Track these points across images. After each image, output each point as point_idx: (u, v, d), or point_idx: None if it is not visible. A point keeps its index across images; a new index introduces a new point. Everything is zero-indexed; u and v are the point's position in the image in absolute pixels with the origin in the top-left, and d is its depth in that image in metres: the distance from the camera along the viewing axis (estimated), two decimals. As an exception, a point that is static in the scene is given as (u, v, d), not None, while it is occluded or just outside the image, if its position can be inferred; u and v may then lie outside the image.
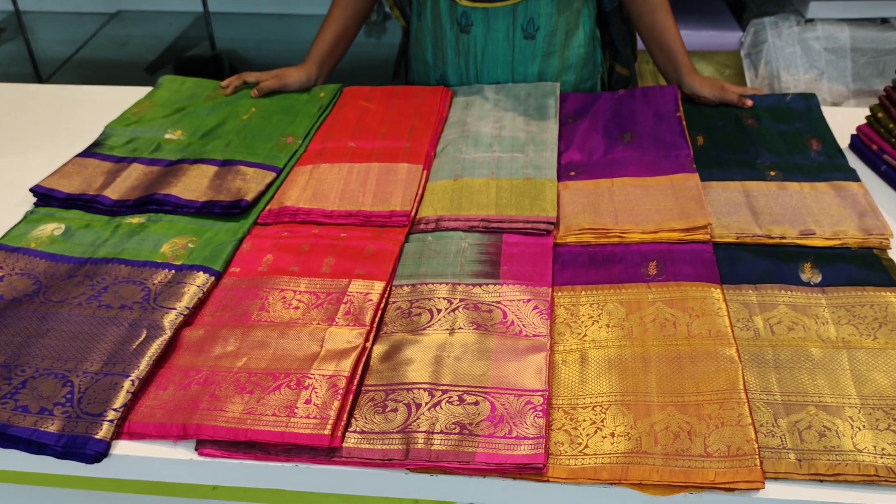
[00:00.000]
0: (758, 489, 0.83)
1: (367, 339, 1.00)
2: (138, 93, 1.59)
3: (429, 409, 0.91)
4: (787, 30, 2.05)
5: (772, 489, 0.84)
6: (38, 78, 2.72)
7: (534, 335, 1.00)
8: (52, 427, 0.89)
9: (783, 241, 1.14)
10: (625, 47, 1.61)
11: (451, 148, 1.35)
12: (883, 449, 0.86)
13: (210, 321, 1.05)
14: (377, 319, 1.04)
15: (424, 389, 0.94)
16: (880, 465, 0.84)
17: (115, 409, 0.91)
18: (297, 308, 1.06)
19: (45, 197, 1.26)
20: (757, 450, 0.85)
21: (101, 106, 1.56)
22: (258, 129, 1.41)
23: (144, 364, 0.96)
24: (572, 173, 1.30)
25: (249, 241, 1.18)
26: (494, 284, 1.08)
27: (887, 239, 1.13)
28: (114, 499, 1.11)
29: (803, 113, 1.42)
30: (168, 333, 1.00)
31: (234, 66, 2.56)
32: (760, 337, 1.01)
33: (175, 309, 1.03)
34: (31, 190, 1.28)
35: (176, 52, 2.56)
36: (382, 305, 1.06)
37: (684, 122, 1.38)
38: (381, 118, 1.44)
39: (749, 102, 1.42)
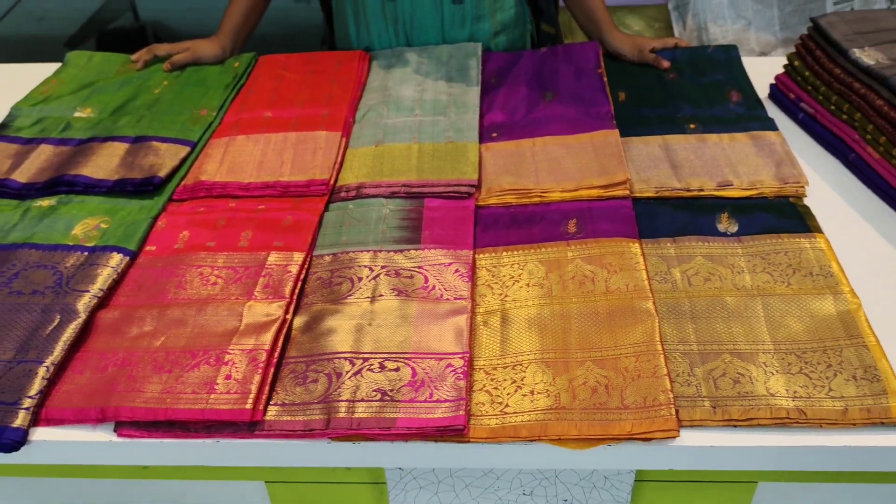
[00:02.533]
0: (673, 437, 0.85)
1: (286, 312, 0.99)
2: (47, 70, 1.53)
3: (350, 378, 0.91)
4: (712, -20, 2.06)
5: (687, 437, 0.86)
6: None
7: (455, 298, 1.00)
8: (-36, 418, 0.87)
9: (701, 193, 1.15)
10: (548, 4, 1.60)
11: (371, 113, 1.33)
12: (795, 392, 0.88)
13: (126, 302, 1.02)
14: (297, 291, 1.02)
15: (345, 358, 0.93)
16: (791, 408, 0.86)
17: (30, 397, 0.89)
18: (214, 284, 1.04)
19: (-49, 183, 1.22)
20: (672, 399, 0.87)
21: (10, 85, 1.50)
22: (170, 102, 1.37)
23: (59, 349, 0.93)
24: (494, 134, 1.29)
25: (164, 218, 1.15)
26: (416, 249, 1.07)
27: (802, 187, 1.15)
28: (47, 483, 1.09)
29: (724, 64, 1.43)
30: (82, 317, 0.98)
31: (160, 37, 2.49)
32: (678, 289, 1.02)
33: (88, 292, 1.01)
34: (-66, 176, 1.23)
35: (97, 25, 2.48)
36: (302, 277, 1.05)
37: (605, 79, 1.38)
38: (298, 86, 1.41)
39: (665, 64, 1.42)
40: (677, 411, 0.86)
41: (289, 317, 0.99)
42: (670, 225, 1.11)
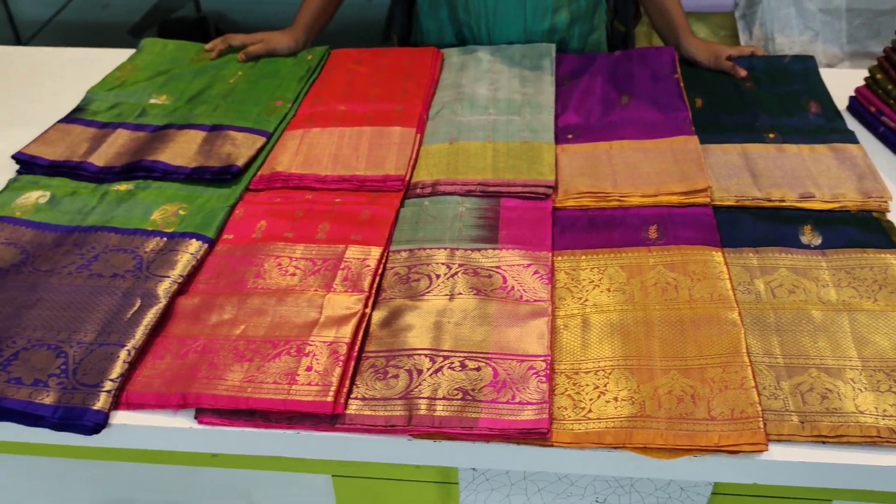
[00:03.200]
0: (761, 451, 0.83)
1: (366, 305, 0.98)
2: (120, 55, 1.55)
3: (430, 375, 0.90)
4: (781, -10, 2.03)
5: (775, 451, 0.84)
6: (18, 40, 2.65)
7: (535, 300, 0.99)
8: (48, 399, 0.87)
9: (783, 203, 1.13)
10: (625, 4, 1.58)
11: (445, 111, 1.33)
12: (884, 410, 0.86)
13: (205, 289, 1.03)
14: (375, 285, 1.02)
15: (425, 355, 0.92)
16: (882, 427, 0.84)
17: (111, 380, 0.89)
18: (293, 275, 1.04)
19: (27, 164, 1.23)
20: (760, 412, 0.85)
21: (83, 69, 1.52)
22: (245, 92, 1.38)
23: (140, 333, 0.94)
24: (570, 136, 1.28)
25: (242, 207, 1.16)
26: (493, 249, 1.07)
27: (886, 202, 1.13)
28: (111, 467, 1.10)
29: (801, 75, 1.41)
30: (163, 302, 0.98)
31: (220, 28, 2.51)
32: (762, 300, 1.00)
33: (169, 277, 1.01)
34: (13, 157, 1.24)
35: (160, 14, 2.50)
36: (380, 271, 1.04)
37: (682, 84, 1.36)
38: (371, 81, 1.41)
39: (742, 72, 1.40)
40: (765, 424, 0.85)
41: (368, 311, 0.98)
42: (752, 235, 1.09)
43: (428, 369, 0.91)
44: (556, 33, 1.51)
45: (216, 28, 2.54)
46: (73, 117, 1.34)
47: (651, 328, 0.96)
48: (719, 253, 1.05)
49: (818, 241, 1.08)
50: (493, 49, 1.48)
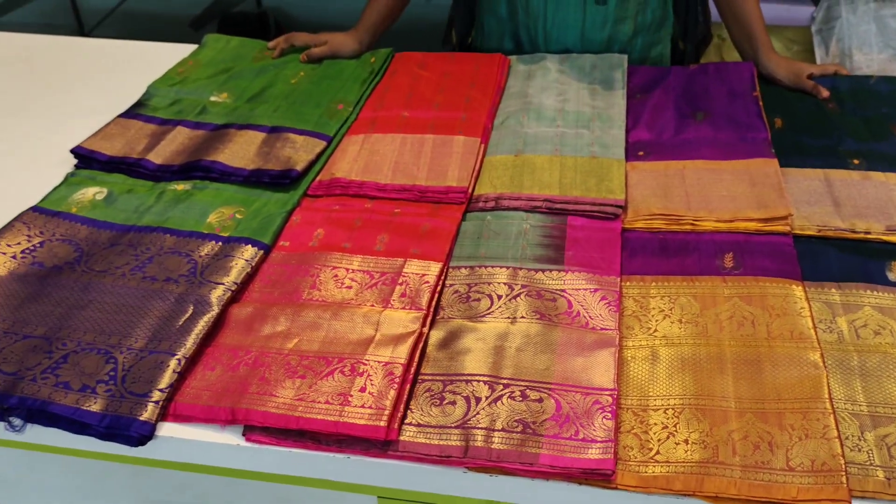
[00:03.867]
0: (845, 509, 0.77)
1: (423, 324, 0.94)
2: (182, 50, 1.53)
3: (489, 404, 0.86)
4: (863, 5, 1.94)
5: (857, 508, 0.78)
6: (81, 29, 2.67)
7: (601, 328, 0.94)
8: (95, 406, 0.85)
9: (868, 236, 1.06)
10: (694, 24, 1.51)
11: (511, 121, 1.28)
12: (982, 471, 0.79)
13: (259, 298, 1.00)
14: (434, 303, 0.98)
15: (484, 382, 0.88)
16: (979, 489, 0.78)
17: (160, 390, 0.86)
18: (349, 287, 1.00)
19: (86, 159, 1.22)
20: (843, 465, 0.79)
21: (144, 62, 1.51)
22: (307, 94, 1.35)
23: (191, 342, 0.91)
24: (641, 153, 1.22)
25: (299, 213, 1.12)
26: (558, 271, 1.02)
27: (983, 238, 1.05)
28: (152, 472, 1.07)
29: (888, 97, 1.33)
30: (216, 310, 0.95)
31: (280, 24, 2.49)
32: (844, 341, 0.93)
33: (223, 284, 0.98)
34: (71, 151, 1.23)
35: (220, 7, 2.50)
36: (439, 288, 1.00)
37: (761, 103, 1.30)
38: (436, 86, 1.37)
39: (825, 93, 1.32)
40: (848, 479, 0.78)
41: (426, 330, 0.94)
42: (835, 269, 1.02)
43: (487, 397, 0.87)
44: (615, 43, 1.45)
45: (276, 23, 2.52)
46: (134, 112, 1.32)
47: (725, 365, 0.90)
48: (800, 287, 0.98)
49: (908, 279, 1.01)
50: (561, 58, 1.43)
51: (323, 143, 1.23)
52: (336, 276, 1.02)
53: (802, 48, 2.10)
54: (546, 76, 1.38)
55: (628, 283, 1.01)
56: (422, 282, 0.99)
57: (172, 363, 0.89)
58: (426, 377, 0.90)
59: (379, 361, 0.89)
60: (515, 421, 0.84)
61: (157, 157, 1.20)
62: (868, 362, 0.91)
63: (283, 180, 1.15)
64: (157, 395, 0.86)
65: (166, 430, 0.87)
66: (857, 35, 1.98)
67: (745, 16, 1.40)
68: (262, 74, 1.41)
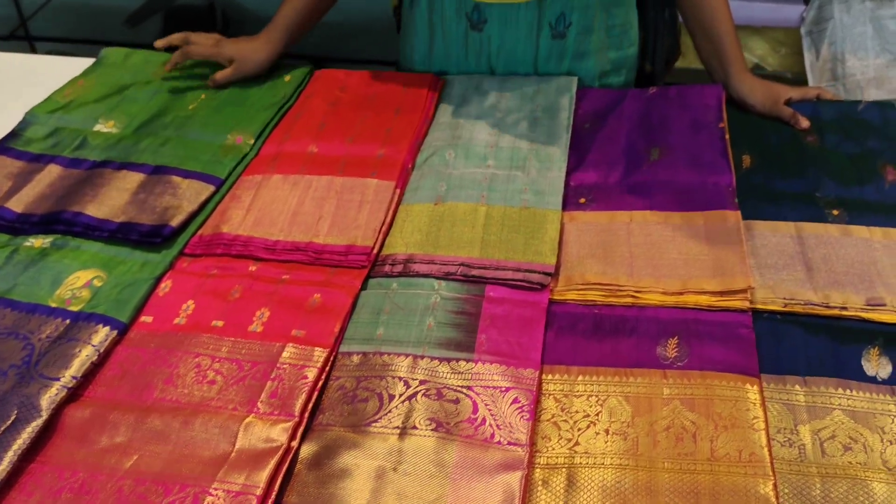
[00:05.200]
0: None
1: (293, 437, 0.78)
2: (82, 65, 1.34)
3: (359, 551, 0.69)
4: (858, 5, 1.73)
5: None
6: (21, 18, 2.48)
7: (509, 443, 0.77)
8: None
9: (844, 313, 0.89)
10: (661, 41, 1.31)
11: (436, 159, 1.10)
12: None
13: (102, 395, 0.83)
14: (310, 406, 0.81)
15: (359, 520, 0.71)
16: None
17: None
18: (212, 383, 0.83)
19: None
20: None
21: (47, 80, 1.30)
22: (203, 123, 1.16)
23: (7, 461, 0.74)
24: (582, 200, 1.04)
25: (171, 277, 0.95)
26: (467, 361, 0.84)
27: (982, 318, 0.87)
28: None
29: (879, 128, 1.14)
30: (44, 416, 0.78)
31: (229, 16, 2.29)
32: (807, 459, 0.76)
33: (58, 380, 0.81)
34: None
35: (163, 1, 2.29)
36: (320, 385, 0.83)
37: (728, 136, 1.11)
38: (355, 112, 1.18)
39: (805, 124, 1.13)
40: None
41: (294, 444, 0.77)
42: (801, 357, 0.85)
43: (359, 541, 0.70)
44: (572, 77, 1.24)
45: (224, 16, 2.33)
46: (5, 145, 1.14)
47: (656, 498, 0.73)
48: (755, 387, 0.81)
49: (887, 371, 0.84)
50: (502, 80, 1.23)
51: (211, 189, 1.05)
52: (199, 366, 0.85)
53: (791, 51, 1.90)
54: (482, 102, 1.19)
55: (549, 377, 0.84)
56: (299, 377, 0.82)
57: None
58: (290, 506, 0.73)
59: (229, 491, 0.73)
60: (389, 575, 0.68)
61: (18, 203, 1.03)
62: (834, 491, 0.74)
63: (153, 238, 0.97)
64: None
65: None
66: (851, 38, 1.78)
67: (716, 30, 1.20)
68: (157, 95, 1.22)
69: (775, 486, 0.73)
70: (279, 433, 0.77)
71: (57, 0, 2.35)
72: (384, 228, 1.00)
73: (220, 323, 0.89)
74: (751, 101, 1.18)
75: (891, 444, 0.77)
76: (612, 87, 1.26)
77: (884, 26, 1.74)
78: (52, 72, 1.32)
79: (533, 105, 1.18)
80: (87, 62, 1.35)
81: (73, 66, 1.33)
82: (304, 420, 0.79)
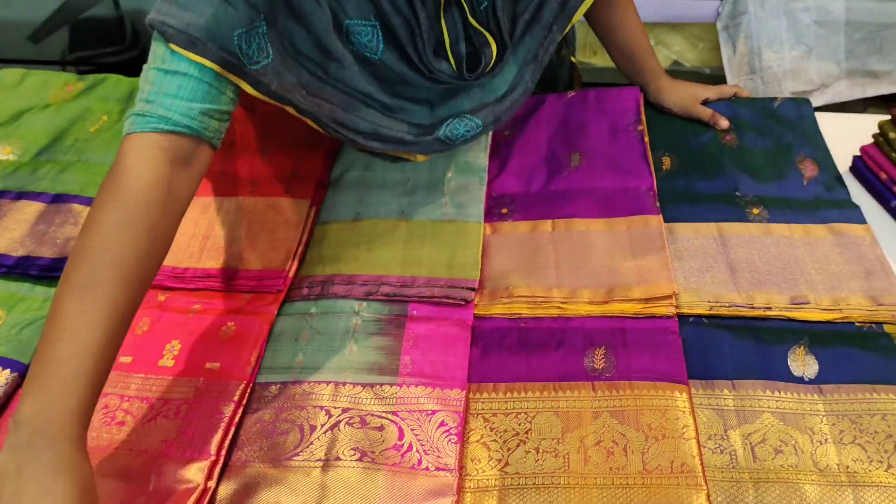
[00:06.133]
0: None
1: (209, 477, 0.73)
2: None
3: None
4: None
5: None
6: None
7: (437, 468, 0.74)
8: None
9: (769, 313, 0.89)
10: (560, 76, 1.29)
11: (353, 173, 1.06)
12: None
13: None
14: (227, 443, 0.77)
15: (280, 563, 0.68)
16: None
17: None
18: (121, 423, 0.78)
19: None
20: None
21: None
22: (106, 146, 1.10)
23: None
24: (504, 210, 1.02)
25: None
26: (391, 385, 0.81)
27: (902, 311, 0.88)
28: None
29: (794, 123, 1.15)
30: None
31: (139, 30, 2.21)
32: (738, 465, 0.75)
33: (-49, 430, 0.76)
34: None
35: (71, 12, 2.19)
36: (237, 419, 0.79)
37: (647, 139, 1.10)
38: (266, 130, 1.13)
39: (724, 123, 1.13)
40: None
41: (211, 484, 0.73)
42: (729, 360, 0.84)
43: (281, 586, 0.66)
44: None
45: (134, 30, 2.24)
46: None
47: (589, 518, 0.71)
48: (684, 395, 0.80)
49: (813, 370, 0.83)
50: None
51: (114, 216, 0.99)
52: (106, 406, 0.80)
53: (708, 45, 1.92)
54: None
55: (477, 395, 0.82)
56: (214, 412, 0.78)
57: None
58: (207, 555, 0.69)
59: None
60: None
61: None
62: (766, 497, 0.73)
63: (54, 272, 0.91)
64: None
65: None
66: (766, 31, 1.81)
67: (630, 49, 1.18)
68: (56, 119, 1.16)
69: (708, 496, 0.72)
70: (195, 473, 0.73)
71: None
72: (300, 249, 0.96)
73: (127, 359, 0.84)
74: (669, 105, 1.17)
75: (821, 444, 0.77)
76: None
77: (797, 19, 1.77)
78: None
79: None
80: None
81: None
82: (221, 458, 0.75)
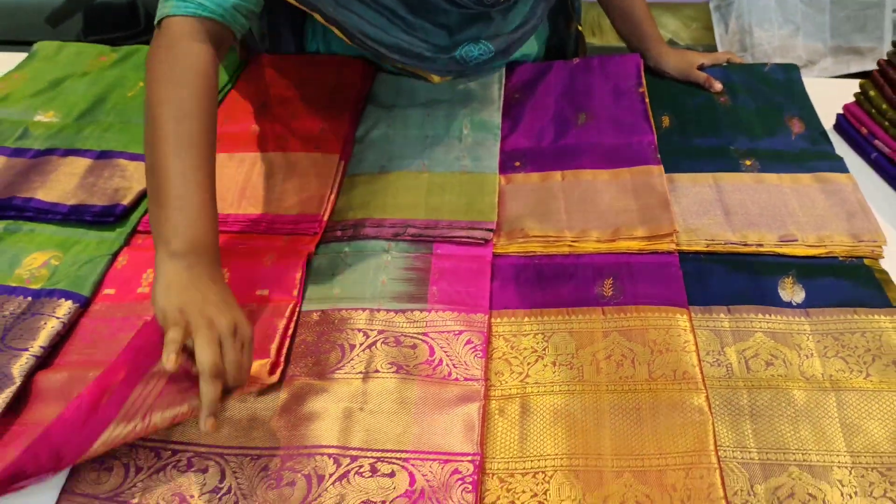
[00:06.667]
0: (732, 585, 0.68)
1: (272, 373, 0.82)
2: (17, 60, 1.35)
3: (334, 484, 0.74)
4: (760, -20, 1.86)
5: (749, 585, 0.69)
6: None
7: (465, 379, 0.83)
8: None
9: (760, 249, 0.98)
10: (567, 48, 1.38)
11: (375, 133, 1.15)
12: (879, 524, 0.71)
13: (77, 360, 0.86)
14: (284, 350, 0.85)
15: (330, 456, 0.76)
16: (877, 548, 0.69)
17: None
18: None
19: None
20: (731, 532, 0.70)
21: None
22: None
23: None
24: (517, 163, 1.11)
25: (127, 253, 0.98)
26: (421, 311, 0.90)
27: (880, 247, 0.97)
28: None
29: (783, 85, 1.24)
30: (17, 383, 0.81)
31: (153, 15, 2.28)
32: (734, 375, 0.84)
33: (27, 350, 0.84)
34: None
35: (83, -2, 2.27)
36: (290, 332, 0.87)
37: (647, 100, 1.19)
38: (292, 93, 1.22)
39: (718, 86, 1.23)
40: (735, 549, 0.70)
41: (273, 379, 0.82)
42: (724, 290, 0.93)
43: (331, 474, 0.75)
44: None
45: (147, 15, 2.32)
46: (-56, 139, 1.15)
47: (602, 416, 0.80)
48: (685, 316, 0.89)
49: (801, 296, 0.93)
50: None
51: (159, 169, 1.08)
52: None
53: (702, 25, 2.02)
54: (415, 78, 1.24)
55: (499, 320, 0.90)
56: (269, 326, 0.87)
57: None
58: (264, 452, 0.78)
59: None
60: (362, 503, 0.73)
61: (-35, 192, 1.04)
62: (759, 400, 0.82)
63: (107, 218, 1.00)
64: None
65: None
66: (756, 10, 1.91)
67: (632, 15, 1.29)
68: (95, 86, 1.24)
69: (707, 398, 0.81)
70: (257, 369, 0.81)
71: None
72: (332, 197, 1.04)
73: None
74: (667, 69, 1.27)
75: (807, 358, 0.86)
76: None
77: (785, -1, 1.87)
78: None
79: (465, 80, 1.24)
80: (18, 56, 1.36)
81: (3, 61, 1.34)
82: (281, 361, 0.83)
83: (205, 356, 0.70)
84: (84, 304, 0.91)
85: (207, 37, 0.87)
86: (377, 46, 1.03)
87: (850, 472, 0.76)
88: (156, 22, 0.90)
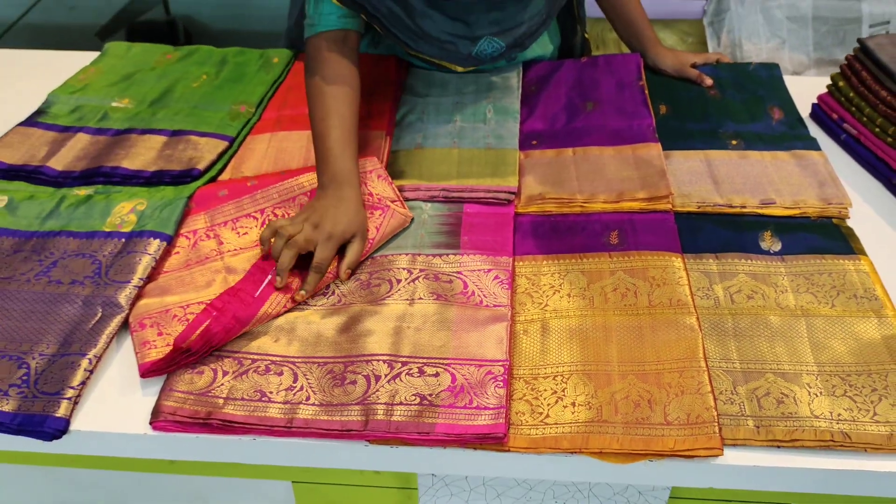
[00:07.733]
0: (717, 456, 0.83)
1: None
2: (85, 58, 1.53)
3: (388, 382, 0.90)
4: (749, -3, 2.05)
5: (730, 455, 0.85)
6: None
7: (494, 305, 0.99)
8: (7, 406, 0.86)
9: (744, 210, 1.14)
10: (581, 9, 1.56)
11: (411, 117, 1.33)
12: (839, 415, 0.87)
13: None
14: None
15: (384, 361, 0.92)
16: (836, 431, 0.85)
17: (72, 387, 0.88)
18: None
19: (-15, 168, 1.22)
20: (716, 417, 0.85)
21: (49, 72, 1.50)
22: (209, 97, 1.36)
23: (102, 342, 0.93)
24: (534, 142, 1.28)
25: (195, 200, 1.15)
26: (455, 255, 1.06)
27: (846, 208, 1.14)
28: (70, 474, 1.09)
29: (766, 81, 1.42)
30: (126, 310, 0.97)
31: (190, 32, 2.49)
32: (720, 305, 1.01)
33: (129, 282, 1.00)
34: (-29, 160, 1.22)
35: (128, 16, 2.48)
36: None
37: (647, 92, 1.37)
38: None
39: (708, 82, 1.40)
40: (721, 429, 0.85)
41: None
42: (713, 241, 1.10)
43: (386, 375, 0.91)
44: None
45: (185, 32, 2.52)
46: (33, 120, 1.32)
47: (609, 333, 0.96)
48: (679, 259, 1.05)
49: (778, 247, 1.09)
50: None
51: (225, 144, 1.25)
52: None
53: (696, 40, 2.20)
54: (444, 75, 1.42)
55: (521, 263, 1.07)
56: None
57: (84, 363, 0.90)
58: (329, 360, 0.94)
59: None
60: (413, 395, 0.88)
61: (57, 163, 1.21)
62: (741, 324, 0.98)
63: (184, 179, 1.17)
64: (69, 393, 0.88)
65: (78, 424, 0.88)
66: (745, 26, 2.09)
67: (631, 18, 1.47)
68: (163, 79, 1.42)
69: (698, 319, 0.97)
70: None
71: (22, 21, 2.50)
72: (383, 165, 1.21)
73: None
74: (664, 68, 1.45)
75: (782, 293, 1.02)
76: None
77: (772, 15, 2.06)
78: (58, 65, 1.51)
79: (489, 76, 1.41)
80: (89, 55, 1.54)
81: (75, 60, 1.52)
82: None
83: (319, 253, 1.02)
84: (170, 241, 1.07)
85: (335, 45, 1.17)
86: (405, 37, 1.23)
87: (817, 378, 0.91)
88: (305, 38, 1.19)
